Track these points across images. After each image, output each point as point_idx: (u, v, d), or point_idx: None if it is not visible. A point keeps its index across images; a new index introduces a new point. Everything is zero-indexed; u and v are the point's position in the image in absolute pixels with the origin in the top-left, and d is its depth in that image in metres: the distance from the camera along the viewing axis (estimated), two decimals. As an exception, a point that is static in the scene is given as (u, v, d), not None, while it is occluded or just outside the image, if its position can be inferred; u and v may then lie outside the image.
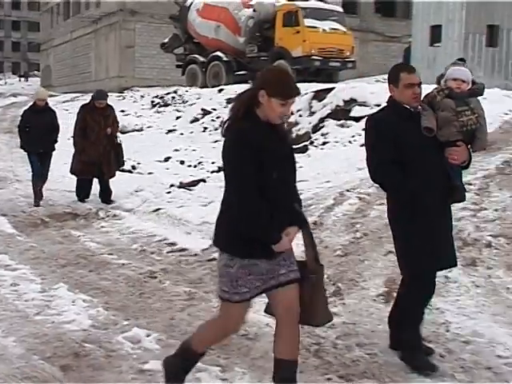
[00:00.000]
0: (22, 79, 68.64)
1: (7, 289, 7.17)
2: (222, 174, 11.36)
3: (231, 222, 4.18)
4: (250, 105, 4.16)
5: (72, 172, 12.46)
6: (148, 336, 5.75)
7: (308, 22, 23.29)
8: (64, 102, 30.31)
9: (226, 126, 4.22)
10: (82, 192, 12.31)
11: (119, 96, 28.08)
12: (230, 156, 4.13)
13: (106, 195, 12.09)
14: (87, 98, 29.64)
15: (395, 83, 5.09)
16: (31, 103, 12.85)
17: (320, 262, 4.54)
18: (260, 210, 4.08)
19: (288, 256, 4.29)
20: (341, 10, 26.44)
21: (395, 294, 6.48)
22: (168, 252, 8.66)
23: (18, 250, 8.84)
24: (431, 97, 5.25)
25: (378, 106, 13.73)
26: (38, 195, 12.13)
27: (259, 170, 4.04)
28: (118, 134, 12.67)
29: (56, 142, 12.42)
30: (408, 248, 5.14)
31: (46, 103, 12.61)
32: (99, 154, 11.99)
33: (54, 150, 12.52)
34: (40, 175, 12.27)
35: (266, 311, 4.67)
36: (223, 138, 4.19)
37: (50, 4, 52.61)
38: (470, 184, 9.06)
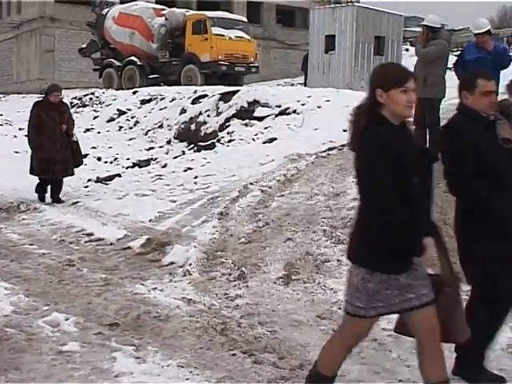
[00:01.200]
0: None
1: None
2: (136, 169, 11.24)
3: (372, 234, 3.62)
4: (373, 111, 3.65)
5: (33, 173, 11.14)
6: (67, 320, 5.66)
7: (215, 30, 23.35)
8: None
9: (351, 139, 3.72)
10: (43, 191, 11.12)
11: (40, 97, 27.39)
12: (369, 165, 3.57)
13: (57, 194, 11.01)
14: (8, 99, 29.22)
15: (471, 90, 4.42)
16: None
17: (455, 273, 4.02)
18: (406, 219, 3.50)
19: (425, 274, 3.74)
20: (245, 19, 26.67)
21: (293, 277, 6.62)
22: (85, 242, 8.52)
23: None
24: (505, 106, 4.69)
25: (279, 106, 13.95)
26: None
27: (400, 177, 3.53)
28: (74, 132, 11.48)
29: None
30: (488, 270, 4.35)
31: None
32: (56, 150, 10.75)
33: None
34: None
35: (396, 331, 4.19)
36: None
37: (-27, 10, 51.04)
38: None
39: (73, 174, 11.22)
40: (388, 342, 5.22)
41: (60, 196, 10.99)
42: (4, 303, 6.08)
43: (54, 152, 10.74)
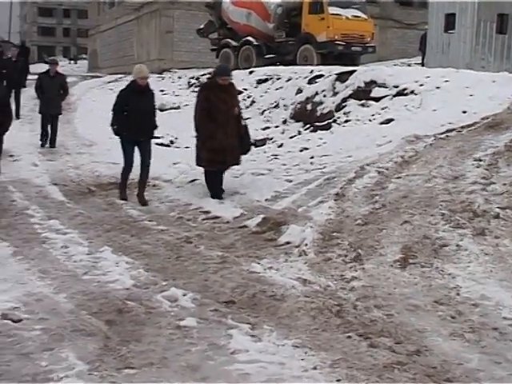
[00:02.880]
0: (72, 62, 68.77)
1: (58, 251, 7.23)
2: (252, 148, 11.08)
3: None
4: None
5: (200, 164, 9.94)
6: (184, 295, 5.78)
7: (332, 9, 23.06)
8: (109, 82, 30.34)
9: None
10: (217, 184, 9.85)
11: (159, 77, 28.05)
12: None
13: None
14: (129, 79, 29.92)
15: None
16: (129, 82, 10.16)
17: None
18: None
19: None
20: (362, -2, 26.21)
21: (410, 260, 6.48)
22: (203, 219, 8.65)
23: (68, 215, 8.89)
24: None
25: (396, 87, 13.67)
26: (124, 191, 10.09)
27: None
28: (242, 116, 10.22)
29: (156, 128, 10.24)
30: None
31: (147, 83, 10.06)
32: (227, 138, 9.54)
33: (153, 137, 10.31)
34: (131, 167, 10.03)
35: None
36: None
37: (97, -7, 52.57)
38: (480, 160, 8.95)
39: (239, 164, 10.20)
40: (509, 331, 5.03)
41: (183, 176, 11.11)
42: (125, 277, 6.27)
43: (225, 140, 9.55)
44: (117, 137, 9.98)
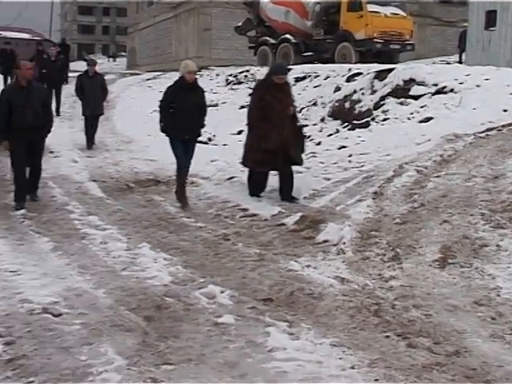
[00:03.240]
0: (111, 59, 69.34)
1: (98, 246, 7.31)
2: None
3: None
4: None
5: (245, 164, 9.74)
6: (222, 292, 5.80)
7: (371, 7, 22.92)
8: (147, 79, 30.53)
9: None
10: (258, 185, 9.66)
11: (197, 74, 28.11)
12: None
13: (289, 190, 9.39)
14: (168, 76, 30.13)
15: None
16: (177, 78, 9.73)
17: None
18: None
19: None
20: (401, -5, 25.96)
21: (449, 260, 6.41)
22: (240, 217, 8.66)
23: (107, 212, 8.98)
24: None
25: (436, 85, 13.52)
26: (183, 196, 9.55)
27: None
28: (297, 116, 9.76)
29: (203, 126, 9.82)
30: None
31: (196, 78, 9.74)
32: (282, 139, 9.07)
33: (200, 135, 9.93)
34: (185, 165, 9.62)
35: None
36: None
37: (136, -9, 52.92)
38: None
39: (301, 164, 9.79)
40: (552, 333, 4.95)
41: (221, 173, 11.11)
42: (163, 273, 6.31)
43: (279, 141, 9.08)
44: (164, 134, 9.67)
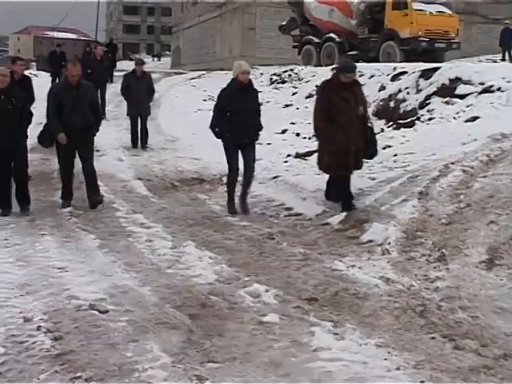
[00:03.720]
0: (155, 59, 69.92)
1: (143, 244, 7.38)
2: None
3: None
4: None
5: (321, 168, 9.05)
6: (267, 291, 5.80)
7: (416, 5, 22.70)
8: (191, 78, 30.67)
9: None
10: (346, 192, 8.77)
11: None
12: None
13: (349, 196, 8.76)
14: (212, 75, 30.28)
15: None
16: (230, 80, 9.14)
17: None
18: None
19: None
20: (448, -7, 25.66)
21: (497, 262, 6.32)
22: (285, 216, 8.66)
23: (152, 210, 9.05)
24: None
25: (482, 84, 13.32)
26: (233, 203, 9.12)
27: None
28: (368, 116, 9.19)
29: (261, 129, 9.38)
30: None
31: (250, 80, 9.19)
32: (349, 140, 8.49)
33: (258, 139, 9.46)
34: (237, 172, 9.20)
35: None
36: None
37: (181, -9, 53.30)
38: None
39: (361, 168, 9.18)
40: None
41: (265, 172, 10.90)
42: (208, 272, 6.34)
43: (346, 143, 8.50)
44: (219, 140, 9.20)
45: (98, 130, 9.52)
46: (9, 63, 10.87)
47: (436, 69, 14.94)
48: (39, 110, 10.03)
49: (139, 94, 14.57)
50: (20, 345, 4.73)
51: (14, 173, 8.90)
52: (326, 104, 8.55)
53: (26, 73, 12.48)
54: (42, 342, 4.76)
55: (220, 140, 9.12)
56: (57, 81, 22.96)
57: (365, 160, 9.08)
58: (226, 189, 9.40)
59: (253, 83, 9.29)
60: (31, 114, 9.10)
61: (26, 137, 8.96)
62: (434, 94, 14.02)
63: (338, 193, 8.82)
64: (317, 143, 9.13)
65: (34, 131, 9.39)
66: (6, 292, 5.80)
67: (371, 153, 9.06)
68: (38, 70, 33.28)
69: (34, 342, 4.77)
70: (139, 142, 14.96)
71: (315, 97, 9.12)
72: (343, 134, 8.42)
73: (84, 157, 9.32)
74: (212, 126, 9.03)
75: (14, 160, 8.84)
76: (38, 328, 5.00)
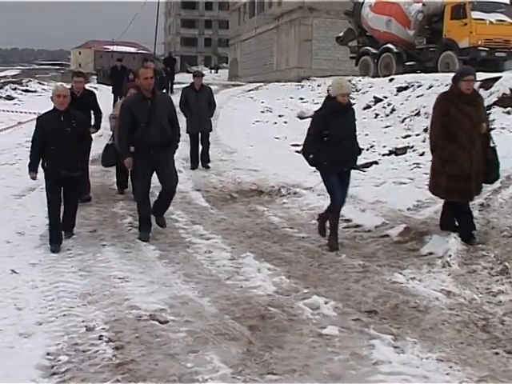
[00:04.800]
0: (213, 71, 70.50)
1: (202, 255, 7.42)
2: (392, 157, 10.95)
3: None
4: None
5: (437, 193, 7.96)
6: (326, 303, 5.79)
7: (475, 14, 22.33)
8: (249, 90, 30.83)
9: None
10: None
11: (298, 85, 28.23)
12: None
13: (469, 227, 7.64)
14: (269, 87, 30.40)
15: None
16: (324, 100, 8.16)
17: None
18: None
19: None
20: (507, 2, 25.22)
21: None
22: (344, 227, 8.60)
23: (211, 221, 9.09)
24: None
25: (545, 93, 13.06)
26: (335, 240, 7.84)
27: None
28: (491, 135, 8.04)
29: (360, 153, 8.34)
30: None
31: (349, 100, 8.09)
32: (471, 162, 7.46)
33: (356, 166, 8.55)
34: (342, 204, 8.02)
35: None
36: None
37: (238, 4, 53.60)
38: None
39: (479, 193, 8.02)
40: None
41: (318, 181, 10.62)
42: (267, 283, 6.34)
43: (468, 165, 7.47)
44: (313, 168, 8.31)
45: (177, 146, 8.54)
46: (73, 77, 10.60)
47: (496, 78, 14.72)
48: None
49: (199, 109, 13.51)
50: (83, 353, 4.82)
51: (65, 199, 8.08)
52: (446, 119, 7.51)
53: (87, 86, 12.46)
54: (104, 351, 4.84)
55: (312, 166, 8.13)
56: (119, 99, 23.01)
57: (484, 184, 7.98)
58: (318, 220, 8.36)
59: (351, 102, 8.31)
60: (91, 139, 8.61)
61: (86, 162, 8.50)
62: (495, 104, 13.81)
63: (458, 221, 7.79)
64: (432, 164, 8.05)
65: (96, 143, 9.50)
66: (68, 301, 5.91)
67: (493, 177, 7.97)
68: (98, 83, 33.87)
69: (96, 351, 4.85)
70: (199, 162, 13.95)
71: (432, 113, 8.07)
72: (465, 155, 7.47)
73: (164, 176, 8.34)
74: (305, 152, 8.00)
75: (69, 185, 8.02)
76: (100, 337, 5.09)
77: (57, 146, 7.73)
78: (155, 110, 8.01)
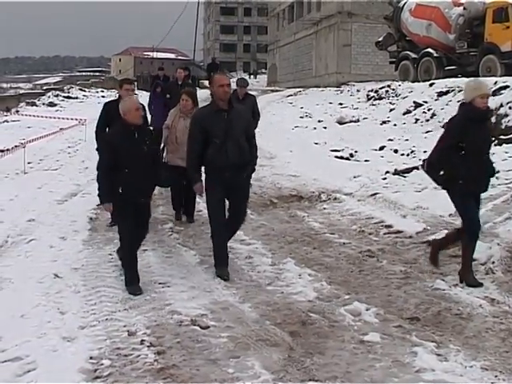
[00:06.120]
0: (252, 77, 70.62)
1: (243, 261, 7.42)
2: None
3: None
4: None
5: None
6: (367, 310, 5.75)
7: (518, 16, 22.10)
8: (288, 96, 30.84)
9: None
10: None
11: (337, 90, 28.17)
12: None
13: None
14: (308, 92, 30.33)
15: None
16: (459, 106, 6.82)
17: None
18: None
19: None
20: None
21: None
22: (384, 233, 8.55)
23: (251, 227, 9.08)
24: None
25: None
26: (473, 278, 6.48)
27: None
28: None
29: (494, 175, 7.06)
30: None
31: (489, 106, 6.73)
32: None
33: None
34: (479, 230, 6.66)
35: None
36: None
37: (277, 10, 53.69)
38: None
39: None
40: None
41: (363, 189, 10.62)
42: (308, 289, 6.32)
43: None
44: (440, 187, 6.98)
45: (254, 169, 7.36)
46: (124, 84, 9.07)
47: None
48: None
49: None
50: (125, 358, 4.85)
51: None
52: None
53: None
54: (146, 356, 4.86)
55: (440, 185, 6.85)
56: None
57: None
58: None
59: (490, 107, 7.18)
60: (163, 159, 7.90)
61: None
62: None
63: None
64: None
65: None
66: (110, 306, 5.95)
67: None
68: (138, 89, 34.19)
69: (138, 356, 4.87)
70: None
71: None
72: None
73: (235, 205, 7.18)
74: (433, 168, 6.69)
75: (142, 211, 6.68)
76: (142, 342, 5.11)
77: (133, 169, 6.37)
78: (232, 124, 6.82)
